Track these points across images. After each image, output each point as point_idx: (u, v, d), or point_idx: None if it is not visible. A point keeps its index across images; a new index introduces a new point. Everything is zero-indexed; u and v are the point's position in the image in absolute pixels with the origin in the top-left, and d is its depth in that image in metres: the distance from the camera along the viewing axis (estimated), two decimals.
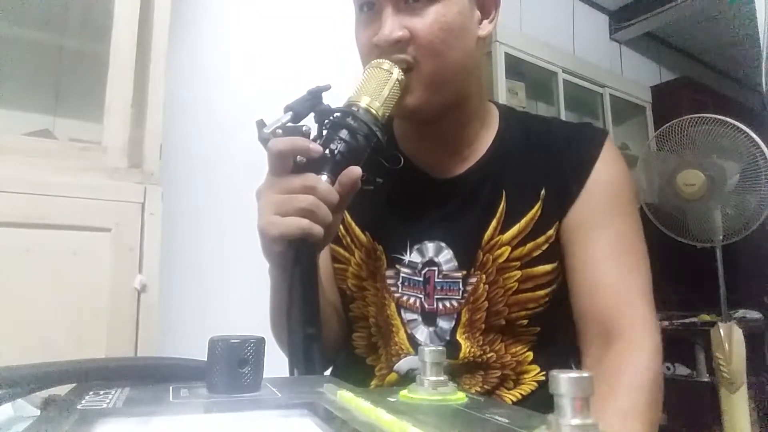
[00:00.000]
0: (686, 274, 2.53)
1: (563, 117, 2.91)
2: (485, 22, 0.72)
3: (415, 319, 0.73)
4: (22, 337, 1.03)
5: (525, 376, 0.73)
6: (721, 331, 1.94)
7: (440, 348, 0.34)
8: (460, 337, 0.71)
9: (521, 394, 0.72)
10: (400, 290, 0.74)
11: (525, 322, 0.72)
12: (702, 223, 2.11)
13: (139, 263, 1.19)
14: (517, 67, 2.74)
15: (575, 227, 0.71)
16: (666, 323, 2.94)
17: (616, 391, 0.61)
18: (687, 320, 2.83)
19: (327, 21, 1.89)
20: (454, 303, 0.72)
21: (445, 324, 0.72)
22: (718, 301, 2.07)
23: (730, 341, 1.91)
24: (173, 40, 1.38)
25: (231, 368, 0.35)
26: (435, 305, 0.72)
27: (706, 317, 2.70)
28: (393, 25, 0.65)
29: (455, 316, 0.72)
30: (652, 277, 0.71)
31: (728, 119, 2.03)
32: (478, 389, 0.72)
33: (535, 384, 0.73)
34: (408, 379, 0.73)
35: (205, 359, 0.36)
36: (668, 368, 2.84)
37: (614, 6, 3.56)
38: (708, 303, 2.35)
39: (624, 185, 0.73)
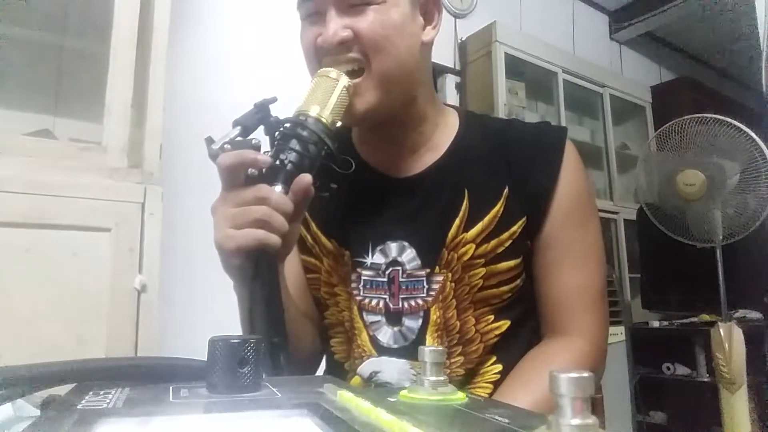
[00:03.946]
0: (686, 274, 2.53)
1: (563, 117, 2.91)
2: (428, 28, 0.74)
3: (378, 321, 0.74)
4: (22, 337, 1.03)
5: (481, 377, 0.73)
6: (721, 331, 1.94)
7: (440, 348, 0.33)
8: (430, 336, 0.71)
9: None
10: (361, 293, 0.74)
11: (491, 317, 0.72)
12: (702, 223, 2.10)
13: (139, 263, 1.19)
14: (517, 67, 2.74)
15: (542, 236, 0.73)
16: (666, 323, 2.95)
17: (532, 365, 0.69)
18: (687, 320, 2.83)
19: None
20: (419, 301, 0.72)
21: (411, 323, 0.72)
22: (718, 301, 2.06)
23: (730, 341, 1.91)
24: (173, 40, 1.38)
25: (231, 368, 0.35)
26: (400, 304, 0.73)
27: (706, 317, 2.71)
28: (336, 26, 0.66)
29: (421, 314, 0.72)
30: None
31: (728, 119, 2.03)
32: None
33: (490, 386, 0.72)
34: (370, 382, 0.73)
35: (205, 359, 0.36)
36: (668, 368, 2.85)
37: (614, 6, 3.57)
38: (708, 303, 2.35)
39: (585, 193, 0.76)
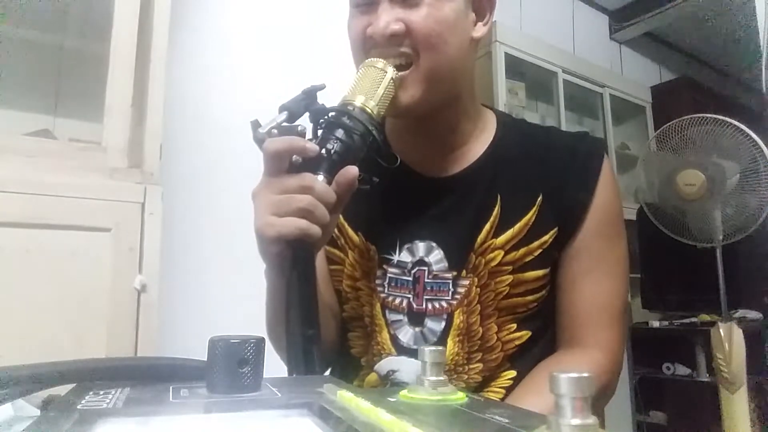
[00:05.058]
0: (686, 274, 2.53)
1: (563, 117, 2.91)
2: (479, 24, 0.73)
3: (400, 320, 0.73)
4: (22, 337, 1.03)
5: (494, 383, 0.73)
6: (721, 331, 1.94)
7: (440, 348, 0.33)
8: (452, 341, 0.71)
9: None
10: (386, 291, 0.74)
11: (513, 326, 0.72)
12: (702, 223, 2.10)
13: (139, 263, 1.19)
14: (517, 67, 2.74)
15: (571, 249, 0.73)
16: (666, 323, 2.95)
17: (546, 374, 0.65)
18: (687, 320, 2.83)
19: (327, 21, 1.89)
20: (443, 303, 0.71)
21: (434, 325, 0.72)
22: (718, 301, 2.06)
23: (730, 341, 1.91)
24: (173, 40, 1.38)
25: (231, 368, 0.35)
26: (424, 305, 0.72)
27: (706, 317, 2.71)
28: (389, 18, 0.65)
29: (445, 317, 0.71)
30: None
31: (728, 119, 2.03)
32: None
33: (502, 391, 0.72)
34: (387, 380, 0.72)
35: (205, 359, 0.36)
36: (668, 368, 2.85)
37: (614, 6, 3.56)
38: (708, 303, 2.35)
39: (617, 208, 0.77)
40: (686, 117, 2.14)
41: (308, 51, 1.90)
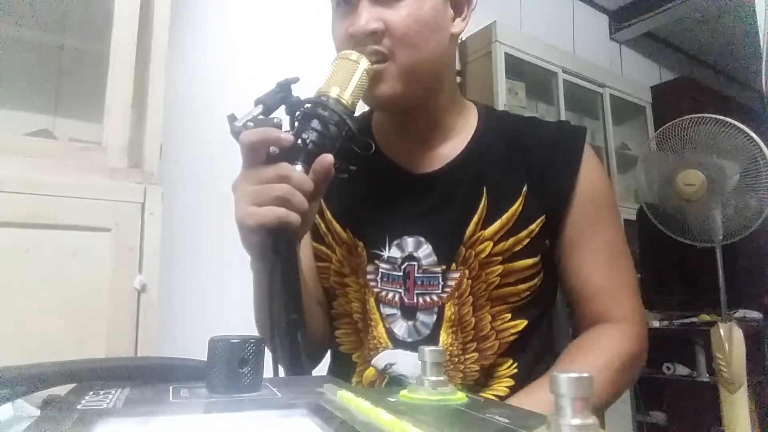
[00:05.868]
0: (686, 274, 2.53)
1: (563, 117, 2.91)
2: (458, 20, 0.74)
3: (394, 314, 0.74)
4: (22, 337, 1.03)
5: (496, 380, 0.73)
6: (721, 331, 1.94)
7: (440, 348, 0.34)
8: (445, 332, 0.72)
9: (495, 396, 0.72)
10: (379, 285, 0.75)
11: (508, 316, 0.73)
12: (702, 223, 2.10)
13: (139, 263, 1.19)
14: (517, 67, 2.74)
15: (567, 236, 0.74)
16: (666, 323, 2.95)
17: (592, 351, 0.69)
18: (687, 320, 2.83)
19: (327, 21, 1.89)
20: (434, 297, 0.72)
21: (426, 318, 0.73)
22: (718, 301, 2.06)
23: (730, 341, 1.91)
24: (173, 40, 1.38)
25: (231, 368, 0.35)
26: (415, 300, 0.73)
27: (706, 317, 2.70)
28: (368, 17, 0.67)
29: (436, 310, 0.72)
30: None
31: (728, 119, 2.03)
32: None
33: (506, 389, 0.72)
34: (385, 373, 0.73)
35: (205, 359, 0.36)
36: (668, 368, 2.84)
37: (614, 6, 3.56)
38: (708, 303, 2.35)
39: (605, 192, 0.77)
40: (686, 117, 2.13)
41: (308, 50, 1.90)
